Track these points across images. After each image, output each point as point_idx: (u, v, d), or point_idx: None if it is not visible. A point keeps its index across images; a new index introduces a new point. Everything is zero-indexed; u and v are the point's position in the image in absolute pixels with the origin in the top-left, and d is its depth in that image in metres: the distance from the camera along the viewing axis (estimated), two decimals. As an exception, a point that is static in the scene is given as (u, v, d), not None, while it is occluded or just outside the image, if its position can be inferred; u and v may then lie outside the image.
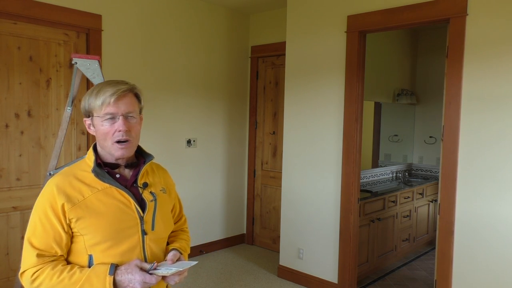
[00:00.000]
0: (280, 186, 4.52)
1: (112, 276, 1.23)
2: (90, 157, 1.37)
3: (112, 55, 3.62)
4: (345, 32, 3.43)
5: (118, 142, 1.34)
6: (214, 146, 4.63)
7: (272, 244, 4.79)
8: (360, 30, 3.33)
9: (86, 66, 2.33)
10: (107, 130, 1.33)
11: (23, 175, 3.19)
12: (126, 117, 1.34)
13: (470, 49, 2.78)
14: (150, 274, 1.25)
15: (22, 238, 3.20)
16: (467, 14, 2.77)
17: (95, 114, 1.34)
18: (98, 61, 2.36)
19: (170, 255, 1.39)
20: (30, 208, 3.19)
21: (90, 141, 3.48)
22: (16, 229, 3.17)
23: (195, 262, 1.36)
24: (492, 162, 2.72)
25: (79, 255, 1.30)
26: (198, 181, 4.47)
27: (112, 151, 1.35)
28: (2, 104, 3.07)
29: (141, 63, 3.87)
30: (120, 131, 1.33)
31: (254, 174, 4.94)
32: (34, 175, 3.25)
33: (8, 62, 3.08)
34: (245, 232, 5.07)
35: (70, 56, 3.29)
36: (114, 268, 1.25)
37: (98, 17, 3.48)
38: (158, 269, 1.28)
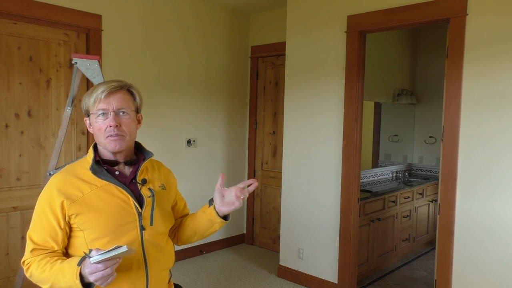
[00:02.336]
0: (280, 186, 4.52)
1: (80, 267, 1.21)
2: (89, 155, 1.43)
3: (112, 55, 3.62)
4: (345, 32, 3.43)
5: (110, 136, 1.39)
6: (214, 146, 4.63)
7: (272, 244, 4.78)
8: (360, 30, 3.33)
9: (86, 66, 2.33)
10: (99, 126, 1.39)
11: (23, 175, 3.19)
12: (117, 113, 1.39)
13: (470, 49, 2.77)
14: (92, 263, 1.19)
15: (22, 238, 3.20)
16: (467, 14, 2.77)
17: (90, 112, 1.41)
18: (98, 61, 2.36)
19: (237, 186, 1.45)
20: (30, 208, 3.21)
21: (90, 141, 3.48)
22: (16, 229, 3.17)
23: (125, 249, 1.19)
24: (492, 162, 2.72)
25: (79, 249, 1.35)
26: (198, 181, 4.47)
27: (106, 146, 1.40)
28: (2, 104, 3.07)
29: (141, 63, 3.87)
30: (110, 126, 1.37)
31: (254, 174, 4.94)
32: (34, 175, 3.25)
33: (8, 62, 3.08)
34: (245, 232, 5.06)
35: (70, 56, 3.29)
36: (83, 260, 1.22)
37: (98, 17, 3.48)
38: (93, 256, 1.18)
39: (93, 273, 1.18)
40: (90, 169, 1.38)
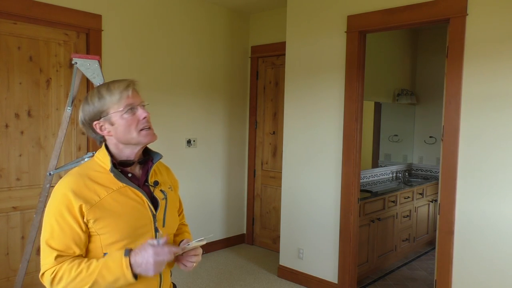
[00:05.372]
0: (280, 186, 4.52)
1: (128, 257, 1.25)
2: (104, 157, 1.37)
3: (112, 55, 3.62)
4: (345, 32, 3.43)
5: (143, 129, 1.38)
6: (214, 146, 4.63)
7: (272, 244, 4.78)
8: (360, 30, 3.33)
9: (86, 66, 2.33)
10: (130, 122, 1.35)
11: (23, 175, 3.19)
12: (142, 106, 1.39)
13: (470, 49, 2.78)
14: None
15: (22, 238, 3.20)
16: (467, 14, 2.77)
17: (112, 111, 1.35)
18: (98, 61, 2.36)
19: (184, 242, 1.45)
20: (30, 208, 3.20)
21: (90, 141, 3.49)
22: (16, 229, 3.17)
23: (205, 239, 1.38)
24: (492, 161, 2.72)
25: (95, 254, 1.32)
26: (198, 181, 4.47)
27: (141, 140, 1.37)
28: (2, 104, 3.07)
29: (141, 63, 3.87)
30: (144, 117, 1.37)
31: (254, 174, 4.94)
32: (34, 175, 3.25)
33: (8, 62, 3.08)
34: (245, 232, 5.06)
35: (70, 56, 3.29)
36: (129, 251, 1.28)
37: (98, 17, 3.48)
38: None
39: (159, 255, 1.25)
40: (111, 171, 1.34)
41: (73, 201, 1.27)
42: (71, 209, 1.27)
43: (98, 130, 1.37)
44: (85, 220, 1.28)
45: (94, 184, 1.31)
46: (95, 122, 1.37)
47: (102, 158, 1.37)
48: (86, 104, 1.37)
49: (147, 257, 1.25)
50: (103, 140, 1.41)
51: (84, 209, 1.27)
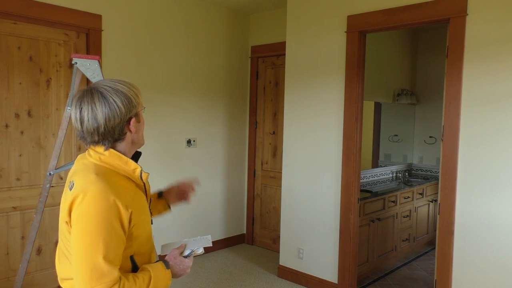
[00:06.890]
0: (280, 186, 4.52)
1: (169, 270, 1.36)
2: (118, 161, 1.30)
3: (112, 55, 3.62)
4: (345, 32, 3.43)
5: None
6: (214, 146, 4.63)
7: (272, 244, 4.78)
8: (360, 30, 3.33)
9: (86, 66, 2.34)
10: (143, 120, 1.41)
11: (23, 175, 3.19)
12: None
13: (470, 49, 2.78)
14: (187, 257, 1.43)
15: (22, 238, 3.20)
16: (467, 14, 2.77)
17: (139, 109, 1.34)
18: (98, 61, 2.36)
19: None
20: (30, 208, 3.20)
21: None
22: (16, 229, 3.17)
23: (209, 236, 1.50)
24: (492, 161, 2.72)
25: (124, 259, 1.28)
26: (198, 181, 4.47)
27: (143, 141, 1.41)
28: (2, 104, 3.07)
29: (141, 63, 3.87)
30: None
31: (254, 174, 4.94)
32: (34, 175, 3.25)
33: (8, 62, 3.08)
34: (245, 232, 5.06)
35: (70, 56, 3.29)
36: (167, 262, 1.38)
37: (98, 17, 3.48)
38: (191, 252, 1.45)
39: (190, 265, 1.42)
40: (144, 172, 1.34)
41: (122, 209, 1.21)
42: (121, 219, 1.22)
43: (132, 128, 1.31)
44: (131, 225, 1.26)
45: (122, 189, 1.26)
46: (133, 119, 1.31)
47: (112, 162, 1.29)
48: (124, 100, 1.27)
49: (185, 268, 1.40)
50: (114, 144, 1.31)
51: (132, 215, 1.25)
